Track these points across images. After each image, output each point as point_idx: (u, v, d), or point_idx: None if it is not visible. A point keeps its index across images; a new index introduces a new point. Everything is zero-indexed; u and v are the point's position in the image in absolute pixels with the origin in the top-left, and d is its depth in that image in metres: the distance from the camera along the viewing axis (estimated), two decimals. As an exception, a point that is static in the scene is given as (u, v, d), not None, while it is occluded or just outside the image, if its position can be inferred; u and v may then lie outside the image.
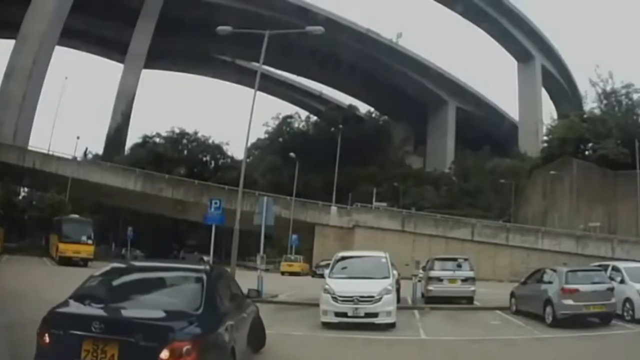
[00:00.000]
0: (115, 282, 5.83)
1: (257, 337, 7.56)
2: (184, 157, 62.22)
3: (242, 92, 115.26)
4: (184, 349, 4.62)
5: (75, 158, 51.13)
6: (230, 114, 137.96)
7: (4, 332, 7.14)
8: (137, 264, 7.35)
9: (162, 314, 5.01)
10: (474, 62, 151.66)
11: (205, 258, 36.10)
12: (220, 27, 19.44)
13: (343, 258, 13.84)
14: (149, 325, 4.81)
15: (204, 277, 5.70)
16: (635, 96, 46.76)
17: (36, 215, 44.01)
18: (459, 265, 17.49)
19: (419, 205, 58.30)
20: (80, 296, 5.34)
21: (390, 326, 11.73)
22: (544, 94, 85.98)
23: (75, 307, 5.15)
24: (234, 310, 6.27)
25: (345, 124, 69.23)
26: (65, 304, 5.24)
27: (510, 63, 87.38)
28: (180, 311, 5.09)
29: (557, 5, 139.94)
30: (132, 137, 67.94)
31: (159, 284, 5.94)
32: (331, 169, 50.52)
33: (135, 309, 5.14)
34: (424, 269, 18.86)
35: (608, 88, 48.35)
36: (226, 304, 5.99)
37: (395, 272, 13.74)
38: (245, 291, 7.59)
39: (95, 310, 5.08)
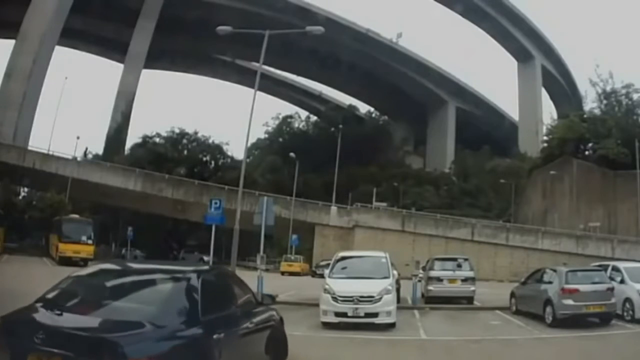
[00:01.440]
0: (89, 285, 5.09)
1: (276, 349, 6.58)
2: (184, 157, 62.20)
3: (242, 92, 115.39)
4: None
5: (75, 158, 51.04)
6: (230, 114, 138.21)
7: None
8: (124, 264, 6.45)
9: (116, 325, 4.21)
10: (474, 62, 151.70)
11: (205, 258, 36.16)
12: (220, 27, 19.40)
13: (343, 258, 13.85)
14: (95, 339, 4.07)
15: (190, 281, 4.87)
16: (635, 96, 46.83)
17: (36, 215, 43.98)
18: (459, 265, 17.49)
19: (419, 205, 58.33)
20: (45, 300, 4.72)
21: (390, 326, 11.73)
22: (544, 94, 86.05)
23: (30, 314, 4.50)
24: (234, 319, 5.41)
25: (345, 124, 69.25)
26: (27, 309, 4.66)
27: (510, 63, 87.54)
28: (138, 322, 4.23)
29: (558, 5, 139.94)
30: (132, 137, 68.06)
31: (137, 288, 5.04)
32: (331, 169, 50.50)
33: (92, 319, 4.39)
34: (424, 269, 18.86)
35: (608, 88, 48.43)
36: (218, 313, 5.04)
37: (395, 272, 13.73)
38: (256, 297, 6.72)
39: (48, 318, 4.38)
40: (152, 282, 5.10)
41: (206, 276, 5.23)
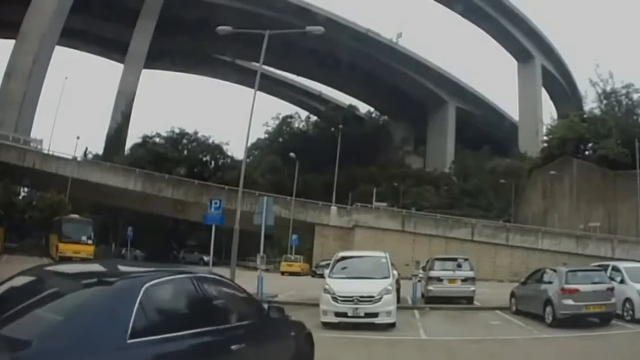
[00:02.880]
0: (20, 291, 3.91)
1: None
2: (184, 157, 62.24)
3: (242, 92, 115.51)
4: None
5: (75, 158, 51.04)
6: (230, 114, 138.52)
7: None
8: (77, 265, 5.12)
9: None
10: (474, 62, 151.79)
11: (206, 258, 36.22)
12: (220, 27, 19.42)
13: (343, 258, 13.86)
14: None
15: (123, 290, 3.64)
16: (635, 96, 46.81)
17: (36, 215, 44.00)
18: (459, 265, 17.48)
19: (419, 205, 58.33)
20: None
21: (390, 326, 11.74)
22: (544, 94, 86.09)
23: None
24: (207, 342, 4.03)
25: (345, 124, 69.39)
26: None
27: (510, 63, 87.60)
28: (26, 341, 3.08)
29: (557, 5, 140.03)
30: (132, 137, 68.13)
31: (63, 296, 3.66)
32: (331, 169, 50.53)
33: None
34: (424, 269, 18.87)
35: (608, 88, 48.41)
36: (178, 332, 3.76)
37: (395, 272, 13.74)
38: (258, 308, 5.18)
39: None
40: (84, 289, 3.73)
41: (162, 283, 3.93)
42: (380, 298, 11.59)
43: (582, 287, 12.50)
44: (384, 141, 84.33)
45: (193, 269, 4.84)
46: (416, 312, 15.37)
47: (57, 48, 58.70)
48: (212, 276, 4.76)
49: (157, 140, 64.38)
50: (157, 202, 46.88)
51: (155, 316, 3.72)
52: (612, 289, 12.72)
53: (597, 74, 51.24)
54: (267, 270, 26.49)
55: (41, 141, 50.91)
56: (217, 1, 65.35)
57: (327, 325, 11.65)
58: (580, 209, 43.96)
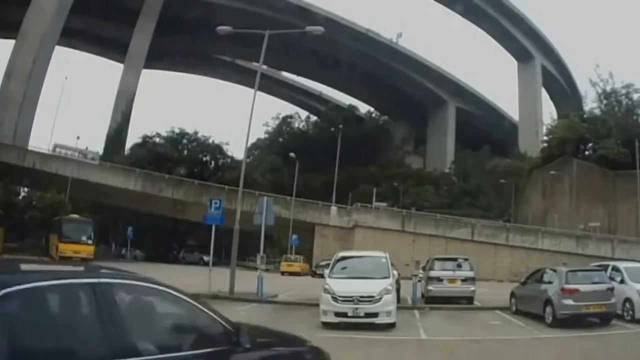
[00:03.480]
0: None
1: None
2: (184, 157, 62.18)
3: (242, 92, 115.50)
4: None
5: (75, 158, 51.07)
6: (230, 114, 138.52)
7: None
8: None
9: None
10: (474, 62, 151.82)
11: (205, 258, 36.23)
12: (220, 27, 19.47)
13: (343, 258, 13.87)
14: None
15: None
16: (635, 96, 46.83)
17: (36, 215, 43.97)
18: (459, 265, 17.50)
19: (419, 205, 58.30)
20: None
21: (390, 326, 11.75)
22: (544, 94, 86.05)
23: None
24: None
25: (345, 124, 69.33)
26: None
27: (510, 63, 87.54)
28: None
29: (557, 5, 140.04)
30: (132, 137, 68.04)
31: None
32: (331, 169, 50.54)
33: None
34: (424, 269, 18.87)
35: (608, 88, 48.41)
36: None
37: (395, 272, 13.74)
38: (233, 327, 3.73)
39: None
40: None
41: (35, 290, 2.76)
42: (380, 298, 11.59)
43: (582, 287, 12.51)
44: (384, 141, 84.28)
45: (114, 274, 3.34)
46: (416, 312, 15.39)
47: (57, 48, 58.63)
48: (139, 283, 3.34)
49: (157, 140, 64.31)
50: (157, 202, 46.89)
51: (13, 338, 2.56)
52: (612, 289, 12.73)
53: (597, 74, 51.26)
54: (267, 270, 26.49)
55: (98, 153, 51.76)
56: (217, 1, 65.31)
57: (327, 325, 11.66)
58: (580, 209, 43.97)
